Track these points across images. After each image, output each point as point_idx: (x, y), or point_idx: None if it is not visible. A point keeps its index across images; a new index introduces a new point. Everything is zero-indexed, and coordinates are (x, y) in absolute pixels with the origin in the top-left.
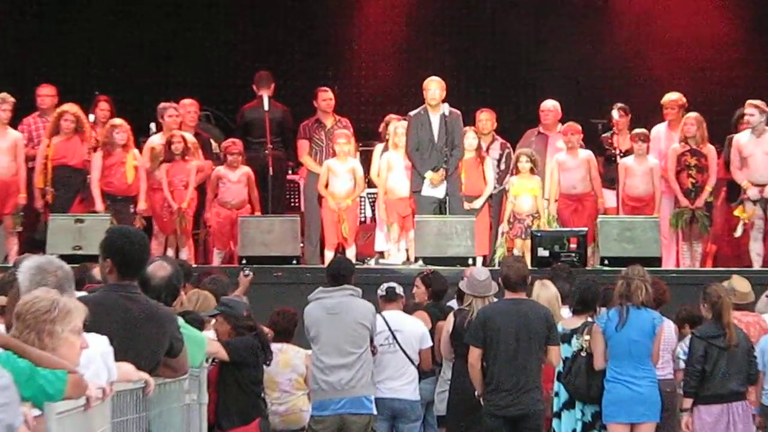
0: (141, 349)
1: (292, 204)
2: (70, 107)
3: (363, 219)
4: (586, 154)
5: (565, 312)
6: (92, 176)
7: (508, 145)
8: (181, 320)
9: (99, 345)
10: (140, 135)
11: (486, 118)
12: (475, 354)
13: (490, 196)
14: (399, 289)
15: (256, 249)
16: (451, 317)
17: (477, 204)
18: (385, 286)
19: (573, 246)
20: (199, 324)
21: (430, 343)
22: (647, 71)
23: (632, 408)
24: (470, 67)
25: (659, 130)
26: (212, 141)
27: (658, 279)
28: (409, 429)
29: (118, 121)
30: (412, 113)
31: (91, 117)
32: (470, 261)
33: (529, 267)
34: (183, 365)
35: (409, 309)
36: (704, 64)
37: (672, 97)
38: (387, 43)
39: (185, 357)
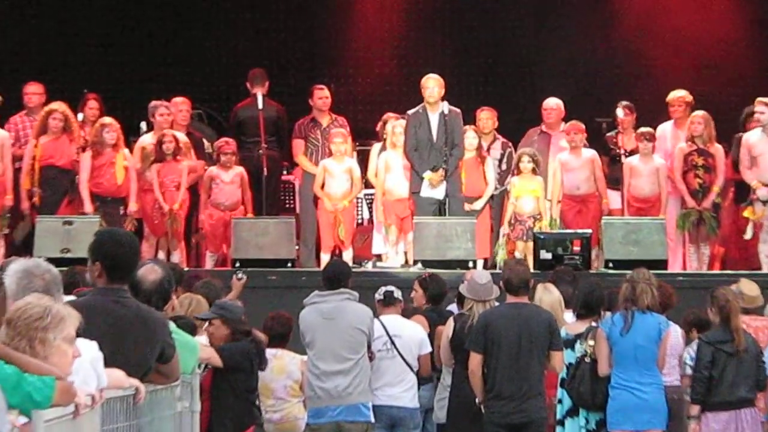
0: (131, 355)
1: (287, 205)
2: (59, 106)
3: (360, 221)
4: (590, 153)
5: (569, 316)
6: (81, 177)
7: (510, 144)
8: (172, 325)
9: (88, 351)
10: (130, 134)
11: (487, 116)
12: (475, 360)
13: (491, 197)
14: (397, 293)
15: (249, 252)
16: (451, 322)
17: (477, 205)
18: (382, 289)
19: (576, 248)
20: (192, 329)
21: (430, 349)
22: (652, 68)
23: (638, 415)
24: (470, 64)
25: (665, 128)
26: (205, 140)
27: (665, 282)
28: None
29: (107, 120)
30: (410, 112)
31: (80, 116)
32: (471, 264)
33: (532, 270)
34: (175, 371)
35: (408, 313)
36: (711, 61)
37: (678, 94)
38: (384, 39)
39: (177, 363)
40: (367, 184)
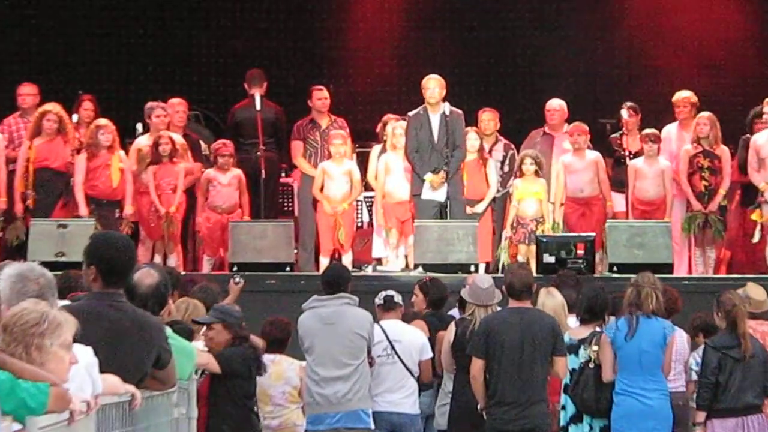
0: (127, 361)
1: (286, 208)
2: (53, 107)
3: (360, 224)
4: (594, 155)
5: (572, 321)
6: (76, 179)
7: (512, 146)
8: (169, 330)
9: (83, 356)
10: (126, 136)
11: (488, 118)
12: (477, 365)
13: (493, 200)
14: (398, 298)
15: (247, 255)
16: (452, 327)
17: (479, 208)
18: (383, 294)
19: (580, 252)
20: (188, 334)
21: (431, 354)
22: (657, 68)
23: (642, 422)
24: (471, 64)
25: (670, 130)
26: (202, 142)
27: (670, 287)
28: None
29: (102, 121)
30: (411, 113)
31: (75, 117)
32: (472, 268)
33: (534, 274)
34: (171, 377)
35: (408, 318)
36: (717, 61)
37: (683, 95)
38: (384, 39)
39: (173, 369)
40: (367, 187)
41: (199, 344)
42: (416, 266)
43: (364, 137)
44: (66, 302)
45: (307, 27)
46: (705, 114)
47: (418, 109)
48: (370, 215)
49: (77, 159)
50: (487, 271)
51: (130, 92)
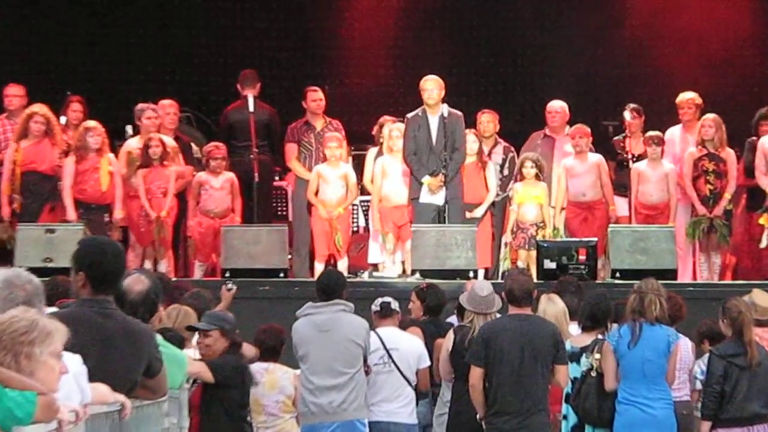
0: (116, 369)
1: (280, 212)
2: (40, 108)
3: (356, 229)
4: (596, 158)
5: (574, 329)
6: (64, 183)
7: (512, 149)
8: (159, 338)
9: (72, 364)
10: (116, 138)
11: (487, 119)
12: (476, 374)
13: (492, 204)
14: (394, 304)
15: (240, 261)
16: (450, 334)
17: (478, 212)
18: (379, 301)
19: (582, 258)
20: (180, 342)
21: (429, 362)
22: (661, 69)
23: None
24: (470, 64)
25: (673, 132)
26: (193, 145)
27: (674, 293)
28: None
29: (91, 123)
30: (409, 115)
31: (63, 119)
32: (471, 274)
33: (535, 280)
34: (162, 386)
35: (405, 325)
36: (721, 61)
37: (687, 96)
38: (381, 39)
39: (164, 377)
40: (363, 191)
41: (190, 352)
42: (413, 272)
43: (360, 140)
44: (54, 309)
45: (302, 26)
46: (710, 116)
47: (416, 111)
48: (367, 220)
49: (65, 162)
50: (486, 277)
51: (119, 93)
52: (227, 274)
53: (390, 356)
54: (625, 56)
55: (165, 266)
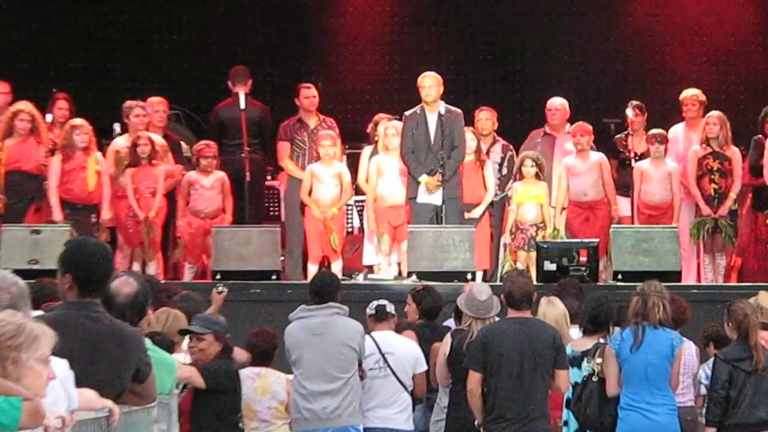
0: (104, 374)
1: (272, 213)
2: (25, 106)
3: (350, 229)
4: (598, 157)
5: (575, 332)
6: (50, 182)
7: (511, 147)
8: (148, 342)
9: (58, 369)
10: (103, 137)
11: (486, 117)
12: (474, 379)
13: (491, 204)
14: (390, 308)
15: (231, 263)
16: (448, 338)
17: (476, 213)
18: (374, 304)
19: (583, 259)
20: (169, 346)
21: (425, 367)
22: (665, 65)
23: None
24: (468, 60)
25: (677, 130)
26: (183, 143)
27: (678, 296)
28: None
29: (78, 121)
30: (407, 113)
31: (49, 117)
32: (469, 276)
33: (535, 282)
34: (151, 391)
35: (400, 329)
36: (727, 57)
37: (691, 93)
38: (375, 33)
39: (153, 382)
40: (358, 190)
41: (180, 357)
42: (410, 274)
43: (355, 138)
44: (40, 312)
45: (294, 21)
46: (714, 113)
47: (414, 109)
48: (361, 220)
49: (51, 161)
50: (484, 279)
51: (107, 90)
52: (218, 277)
53: (385, 360)
54: (628, 52)
55: (154, 268)
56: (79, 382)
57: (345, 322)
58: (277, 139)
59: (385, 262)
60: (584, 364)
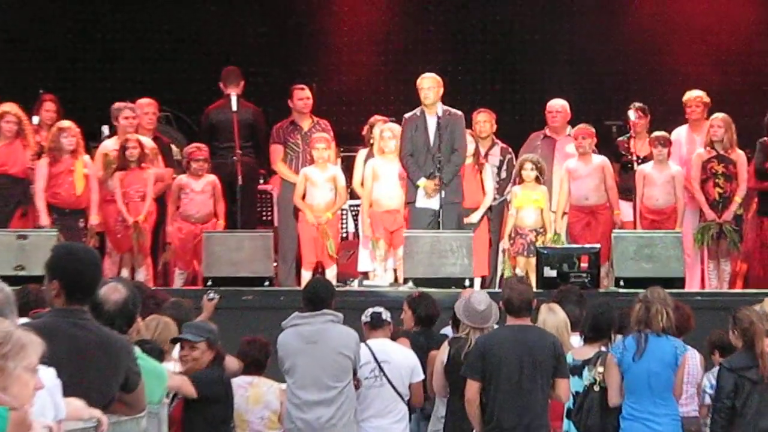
0: (92, 383)
1: (264, 217)
2: (11, 107)
3: (345, 235)
4: (601, 160)
5: (576, 340)
6: (36, 186)
7: (510, 150)
8: (138, 350)
9: (45, 378)
10: (91, 139)
11: (484, 119)
12: (472, 388)
13: (489, 209)
14: (386, 315)
15: (222, 269)
16: (445, 346)
17: (474, 218)
18: (370, 311)
19: (584, 265)
20: (159, 354)
21: (422, 376)
22: (668, 65)
23: None
24: (466, 60)
25: (680, 133)
26: (173, 146)
27: (681, 303)
28: None
29: (65, 123)
30: (407, 115)
31: (35, 119)
32: (467, 282)
33: (535, 289)
34: (140, 401)
35: (395, 337)
36: (732, 57)
37: (694, 94)
38: (371, 33)
39: (143, 392)
40: (353, 194)
41: (170, 365)
42: (406, 281)
43: (350, 140)
44: (27, 320)
45: (288, 20)
46: (719, 115)
47: (414, 111)
48: (356, 225)
49: (38, 164)
50: (483, 285)
51: (95, 92)
52: (209, 283)
53: (381, 369)
54: (630, 52)
55: (143, 274)
56: (67, 392)
57: (339, 330)
58: (270, 142)
59: (380, 268)
60: (585, 373)
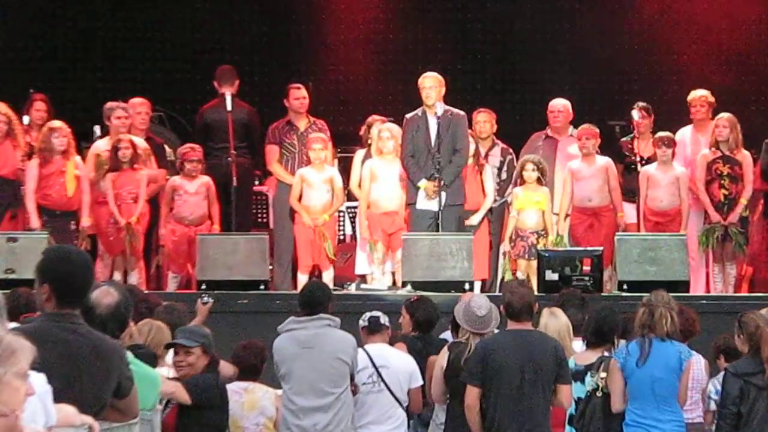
0: (84, 389)
1: (260, 220)
2: (0, 107)
3: (342, 237)
4: (604, 161)
5: (578, 345)
6: (27, 188)
7: (511, 150)
8: (130, 355)
9: (36, 384)
10: (83, 140)
11: (484, 119)
12: (472, 394)
13: (490, 211)
14: (384, 319)
15: (217, 272)
16: (444, 351)
17: (474, 220)
18: (367, 315)
19: (586, 268)
20: (152, 360)
21: (421, 382)
22: (672, 64)
23: None
24: (465, 59)
25: (684, 133)
26: (166, 146)
27: (686, 307)
28: None
29: (56, 123)
30: (408, 115)
31: (26, 119)
32: (467, 286)
33: (536, 292)
34: (133, 407)
35: (393, 341)
36: (737, 56)
37: (699, 93)
38: (368, 31)
39: (135, 398)
40: (350, 196)
41: (163, 371)
42: (404, 284)
43: (347, 141)
44: (16, 324)
45: (283, 19)
46: (724, 115)
47: (416, 111)
48: (353, 227)
49: (28, 165)
50: (483, 289)
51: (86, 91)
52: (203, 287)
53: (379, 375)
54: (633, 51)
55: (136, 278)
56: (58, 398)
57: (336, 335)
58: (266, 143)
59: (378, 272)
60: (588, 378)
